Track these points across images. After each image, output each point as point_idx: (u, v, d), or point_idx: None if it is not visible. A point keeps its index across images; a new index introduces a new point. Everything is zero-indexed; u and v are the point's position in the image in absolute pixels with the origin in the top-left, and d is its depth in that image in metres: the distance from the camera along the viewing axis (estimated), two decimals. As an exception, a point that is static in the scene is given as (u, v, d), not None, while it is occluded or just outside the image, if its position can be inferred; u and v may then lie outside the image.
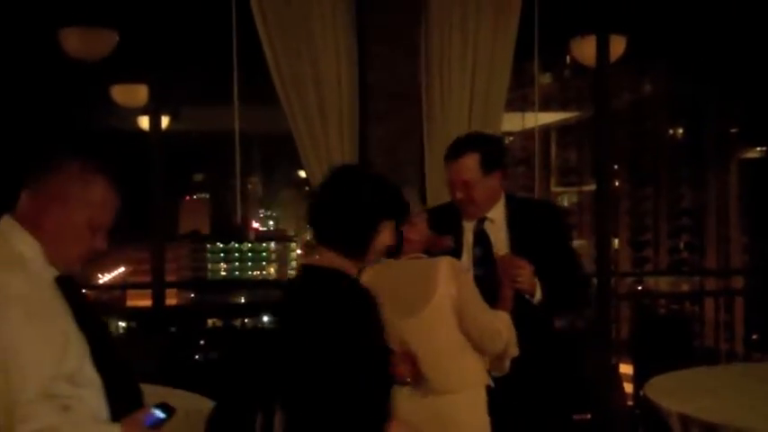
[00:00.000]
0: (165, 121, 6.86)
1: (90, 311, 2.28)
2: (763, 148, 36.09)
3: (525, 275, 3.14)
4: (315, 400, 2.54)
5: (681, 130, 45.34)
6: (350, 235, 2.61)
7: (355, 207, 2.62)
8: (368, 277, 3.03)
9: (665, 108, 44.36)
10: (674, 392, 3.61)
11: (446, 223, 3.31)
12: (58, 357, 2.09)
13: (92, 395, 2.18)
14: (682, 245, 44.16)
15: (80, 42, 6.10)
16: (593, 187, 6.60)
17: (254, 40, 5.14)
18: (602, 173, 6.36)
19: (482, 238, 3.35)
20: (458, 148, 3.33)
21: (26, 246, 2.19)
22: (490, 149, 3.31)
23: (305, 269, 2.75)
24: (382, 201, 2.71)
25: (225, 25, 5.57)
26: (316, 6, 5.07)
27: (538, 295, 3.22)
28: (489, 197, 3.32)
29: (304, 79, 5.12)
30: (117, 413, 2.19)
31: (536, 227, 3.36)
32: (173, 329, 6.61)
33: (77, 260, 2.27)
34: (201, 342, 7.52)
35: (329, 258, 2.62)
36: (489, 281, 3.12)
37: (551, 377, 3.37)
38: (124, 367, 2.31)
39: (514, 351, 2.98)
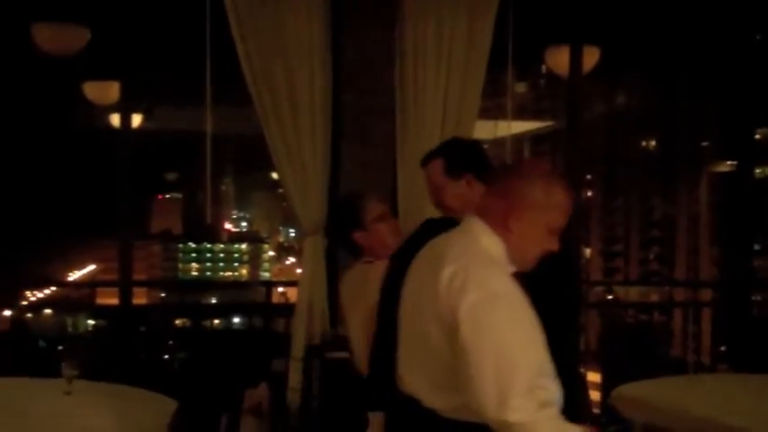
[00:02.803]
0: (137, 120, 6.83)
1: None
2: (734, 162, 36.45)
3: None
4: None
5: (653, 143, 45.66)
6: None
7: None
8: (345, 278, 3.23)
9: (637, 120, 44.66)
10: (639, 401, 3.63)
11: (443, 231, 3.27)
12: (538, 350, 2.22)
13: (557, 389, 2.27)
14: (652, 256, 44.45)
15: (52, 38, 6.05)
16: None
17: (228, 40, 5.12)
18: (574, 182, 6.39)
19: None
20: (426, 156, 3.29)
21: (493, 245, 2.33)
22: (455, 153, 3.21)
23: None
24: None
25: (199, 24, 5.55)
26: (290, 7, 5.07)
27: None
28: (461, 203, 3.12)
29: (277, 80, 5.10)
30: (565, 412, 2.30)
31: None
32: (142, 329, 6.58)
33: (534, 260, 2.40)
34: (170, 342, 7.49)
35: None
36: None
37: None
38: (574, 366, 2.37)
39: None
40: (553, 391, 2.24)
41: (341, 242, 3.20)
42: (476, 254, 2.32)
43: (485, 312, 2.19)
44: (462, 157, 3.20)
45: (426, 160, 3.26)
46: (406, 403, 2.39)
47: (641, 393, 3.83)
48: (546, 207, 2.35)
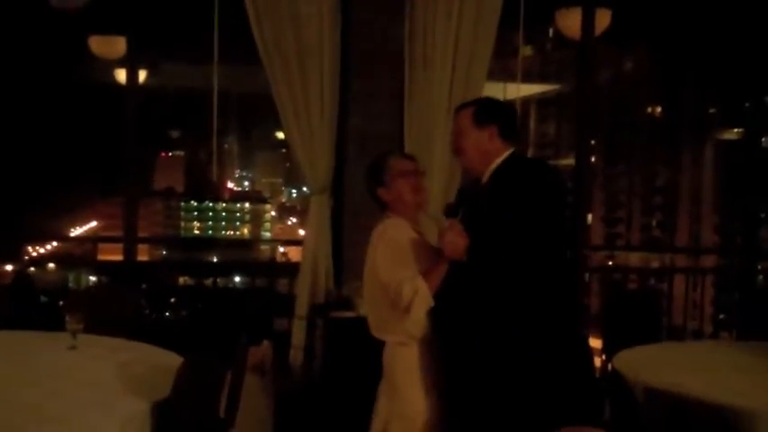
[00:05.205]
0: (142, 76, 6.77)
1: None
2: (740, 130, 36.30)
3: (449, 242, 3.00)
4: None
5: (659, 109, 45.45)
6: None
7: None
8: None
9: (643, 86, 44.40)
10: (641, 366, 3.65)
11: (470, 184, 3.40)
12: None
13: None
14: (654, 223, 44.43)
15: (59, -9, 6.00)
16: (569, 161, 6.60)
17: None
18: (583, 147, 6.36)
19: (464, 201, 3.25)
20: (460, 105, 3.38)
21: None
22: (487, 104, 3.31)
23: None
24: None
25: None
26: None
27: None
28: (478, 153, 3.22)
29: (286, 41, 5.06)
30: None
31: (502, 193, 3.11)
32: (143, 285, 6.58)
33: None
34: (172, 299, 7.51)
35: None
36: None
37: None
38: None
39: (415, 315, 3.08)
40: None
41: (371, 198, 3.37)
42: None
43: None
44: (492, 109, 3.29)
45: (459, 108, 3.35)
46: None
47: (643, 358, 3.87)
48: None
